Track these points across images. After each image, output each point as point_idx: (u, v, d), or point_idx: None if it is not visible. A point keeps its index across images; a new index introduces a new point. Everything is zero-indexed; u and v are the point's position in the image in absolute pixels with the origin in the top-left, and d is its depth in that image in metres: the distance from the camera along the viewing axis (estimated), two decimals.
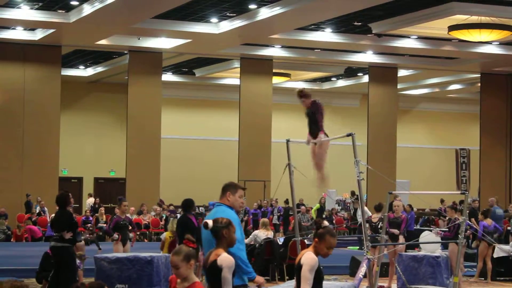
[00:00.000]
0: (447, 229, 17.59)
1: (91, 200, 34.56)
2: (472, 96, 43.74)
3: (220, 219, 7.05)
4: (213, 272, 6.83)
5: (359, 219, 24.87)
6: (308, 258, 7.08)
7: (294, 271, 7.34)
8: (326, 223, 7.29)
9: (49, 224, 25.27)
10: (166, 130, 35.79)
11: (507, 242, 22.36)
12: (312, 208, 32.63)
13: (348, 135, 11.55)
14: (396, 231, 16.52)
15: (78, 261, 14.60)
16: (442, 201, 34.47)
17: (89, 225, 25.94)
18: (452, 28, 27.32)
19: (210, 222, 6.97)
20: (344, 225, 34.73)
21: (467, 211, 14.57)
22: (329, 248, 7.12)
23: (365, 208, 17.48)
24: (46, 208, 31.03)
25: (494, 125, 37.75)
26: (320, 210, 32.74)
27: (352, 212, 33.92)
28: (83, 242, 18.27)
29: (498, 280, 19.45)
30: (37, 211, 31.00)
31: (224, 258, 6.82)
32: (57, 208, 13.91)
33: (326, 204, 34.14)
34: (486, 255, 19.22)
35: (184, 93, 42.27)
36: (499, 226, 21.98)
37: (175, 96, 41.21)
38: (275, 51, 33.88)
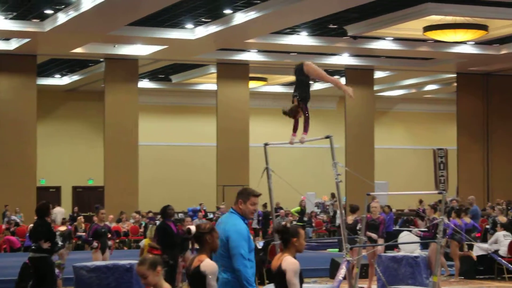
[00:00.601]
0: (427, 229, 17.62)
1: (58, 210, 33.19)
2: (449, 96, 43.92)
3: (203, 224, 7.05)
4: (196, 277, 6.83)
5: (338, 221, 24.88)
6: (290, 263, 7.11)
7: (273, 276, 7.31)
8: (288, 224, 7.37)
9: (27, 235, 25.09)
10: (143, 137, 35.70)
11: (485, 241, 22.44)
12: (290, 211, 32.58)
13: (326, 137, 11.53)
14: (374, 235, 16.45)
15: (57, 270, 14.52)
16: (420, 201, 34.55)
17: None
18: (427, 28, 27.46)
19: (193, 228, 6.97)
20: (324, 228, 34.76)
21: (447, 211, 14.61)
22: (304, 239, 7.28)
23: (343, 211, 17.48)
24: (14, 216, 30.74)
25: (471, 124, 37.97)
26: (301, 213, 32.75)
27: (331, 215, 33.95)
28: (66, 250, 18.17)
29: (477, 278, 19.51)
30: (5, 221, 30.59)
31: (207, 265, 6.81)
32: (35, 218, 13.86)
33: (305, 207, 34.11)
34: (457, 253, 19.30)
35: (161, 100, 42.21)
36: (477, 225, 22.06)
37: (152, 103, 41.15)
38: (251, 56, 33.90)
